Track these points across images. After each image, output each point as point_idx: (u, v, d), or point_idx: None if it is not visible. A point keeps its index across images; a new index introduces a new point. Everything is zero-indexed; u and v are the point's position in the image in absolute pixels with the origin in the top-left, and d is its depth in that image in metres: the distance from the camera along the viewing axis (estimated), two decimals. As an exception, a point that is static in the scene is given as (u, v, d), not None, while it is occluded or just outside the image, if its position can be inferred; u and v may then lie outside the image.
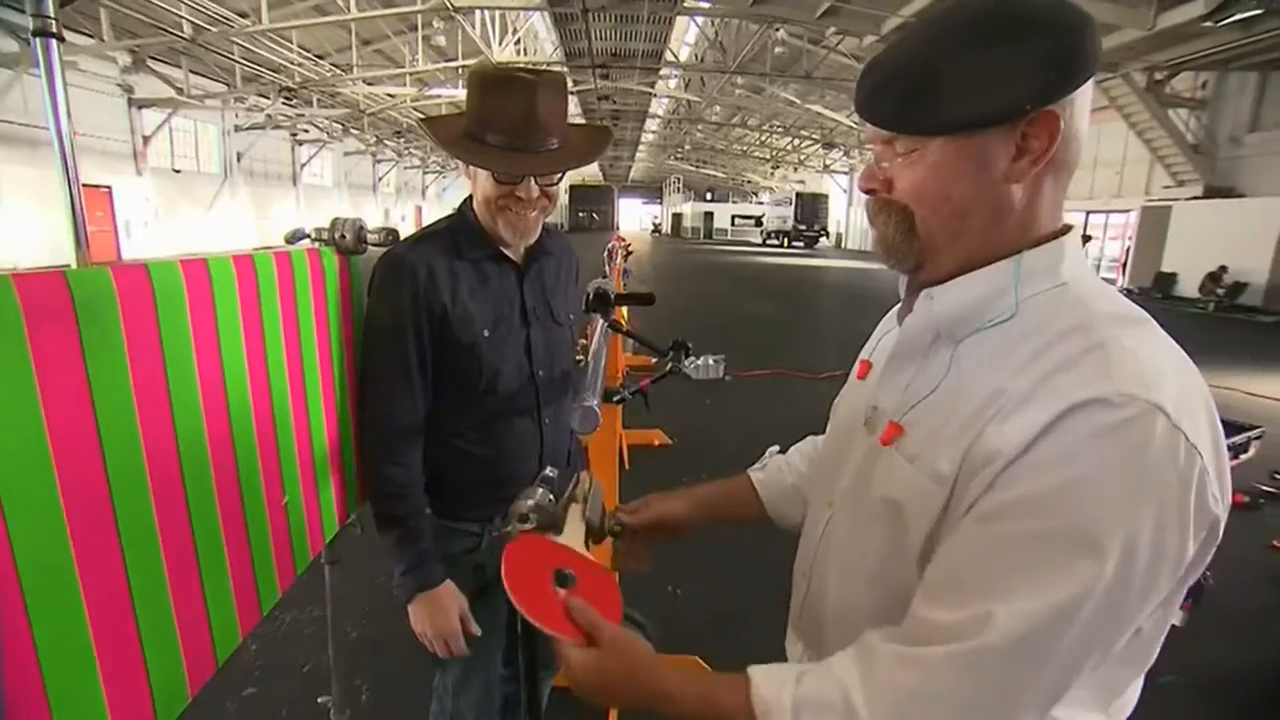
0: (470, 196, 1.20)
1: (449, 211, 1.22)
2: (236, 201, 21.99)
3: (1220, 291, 13.03)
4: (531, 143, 1.05)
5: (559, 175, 1.12)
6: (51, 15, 0.74)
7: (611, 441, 2.03)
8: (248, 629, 0.84)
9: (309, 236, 1.12)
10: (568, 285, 1.32)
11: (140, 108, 16.78)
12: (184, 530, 0.73)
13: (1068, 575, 0.49)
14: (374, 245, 1.14)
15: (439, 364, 1.13)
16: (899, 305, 0.80)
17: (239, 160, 21.99)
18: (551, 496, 0.97)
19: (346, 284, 1.12)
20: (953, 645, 0.52)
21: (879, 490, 0.65)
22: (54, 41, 0.75)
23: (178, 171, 19.35)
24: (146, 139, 17.33)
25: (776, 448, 1.01)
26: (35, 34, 0.73)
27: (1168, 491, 0.49)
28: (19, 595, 0.55)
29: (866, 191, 0.65)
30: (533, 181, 1.09)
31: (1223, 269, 13.15)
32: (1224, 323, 11.55)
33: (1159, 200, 15.11)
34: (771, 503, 0.95)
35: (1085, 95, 0.57)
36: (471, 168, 1.12)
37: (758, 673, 0.60)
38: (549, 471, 0.98)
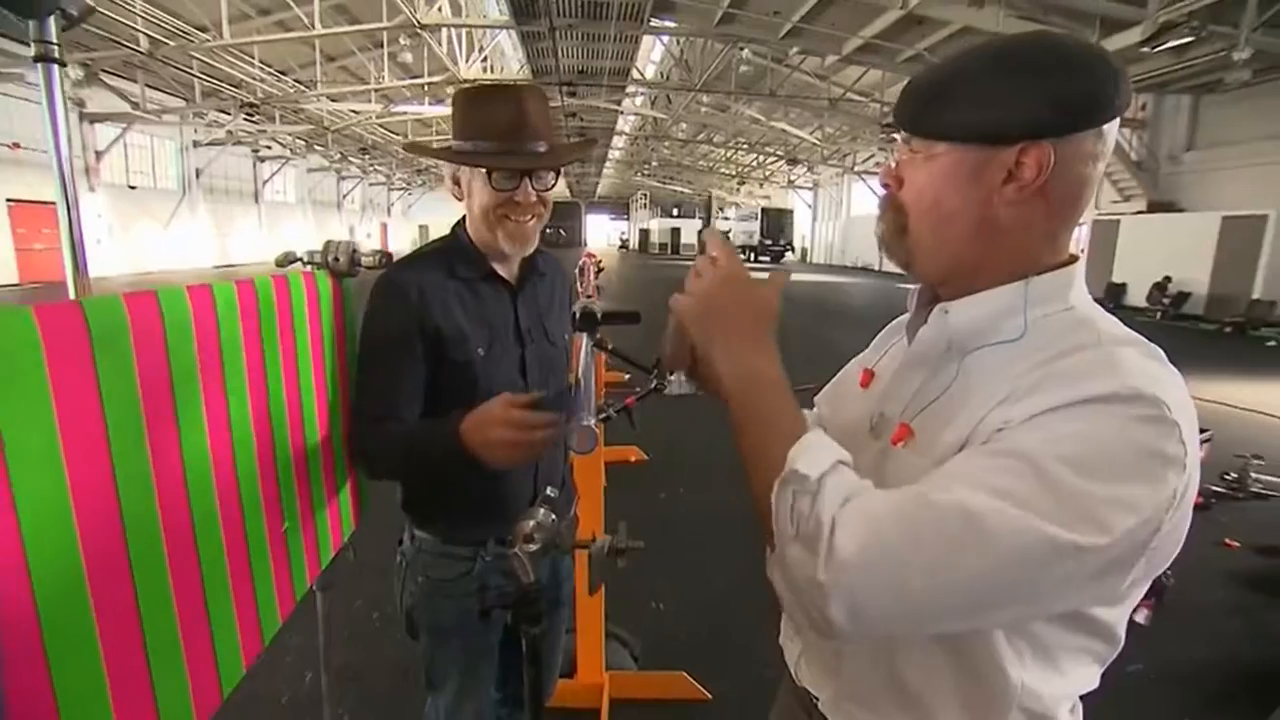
0: (462, 219, 1.22)
1: (414, 228, 1.22)
2: (196, 219, 21.46)
3: (1166, 301, 13.61)
4: (524, 145, 1.08)
5: (553, 181, 1.14)
6: (54, 41, 0.74)
7: (597, 459, 2.04)
8: (251, 659, 0.83)
9: (301, 259, 1.12)
10: (561, 305, 1.34)
11: (93, 122, 16.31)
12: (191, 562, 0.72)
13: (1037, 499, 0.51)
14: (367, 268, 1.14)
15: (434, 383, 1.13)
16: (906, 317, 0.84)
17: (198, 177, 21.49)
18: (554, 516, 0.98)
19: (340, 307, 1.12)
20: (921, 489, 0.55)
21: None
22: (55, 67, 0.74)
23: (133, 188, 18.83)
24: (99, 154, 16.84)
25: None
26: (37, 60, 0.73)
27: (1164, 469, 0.53)
28: (38, 633, 0.54)
29: (883, 187, 0.70)
30: (529, 186, 1.10)
31: (1167, 279, 13.75)
32: (1170, 330, 12.05)
33: (1108, 215, 15.77)
34: None
35: (1094, 144, 0.60)
36: (465, 184, 1.13)
37: (813, 434, 0.61)
38: (550, 491, 0.99)
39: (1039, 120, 0.58)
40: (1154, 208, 15.16)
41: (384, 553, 1.30)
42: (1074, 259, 0.66)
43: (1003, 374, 0.61)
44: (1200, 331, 12.00)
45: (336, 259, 1.10)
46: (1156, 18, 9.19)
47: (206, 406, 0.74)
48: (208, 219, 22.07)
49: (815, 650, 0.78)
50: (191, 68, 15.39)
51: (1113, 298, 14.98)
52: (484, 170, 1.09)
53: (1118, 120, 0.60)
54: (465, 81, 14.37)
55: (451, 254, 1.18)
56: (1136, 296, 14.38)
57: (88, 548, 0.59)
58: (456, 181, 1.16)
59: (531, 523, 0.93)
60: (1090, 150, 0.60)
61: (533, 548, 0.90)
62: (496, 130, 1.07)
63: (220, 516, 0.76)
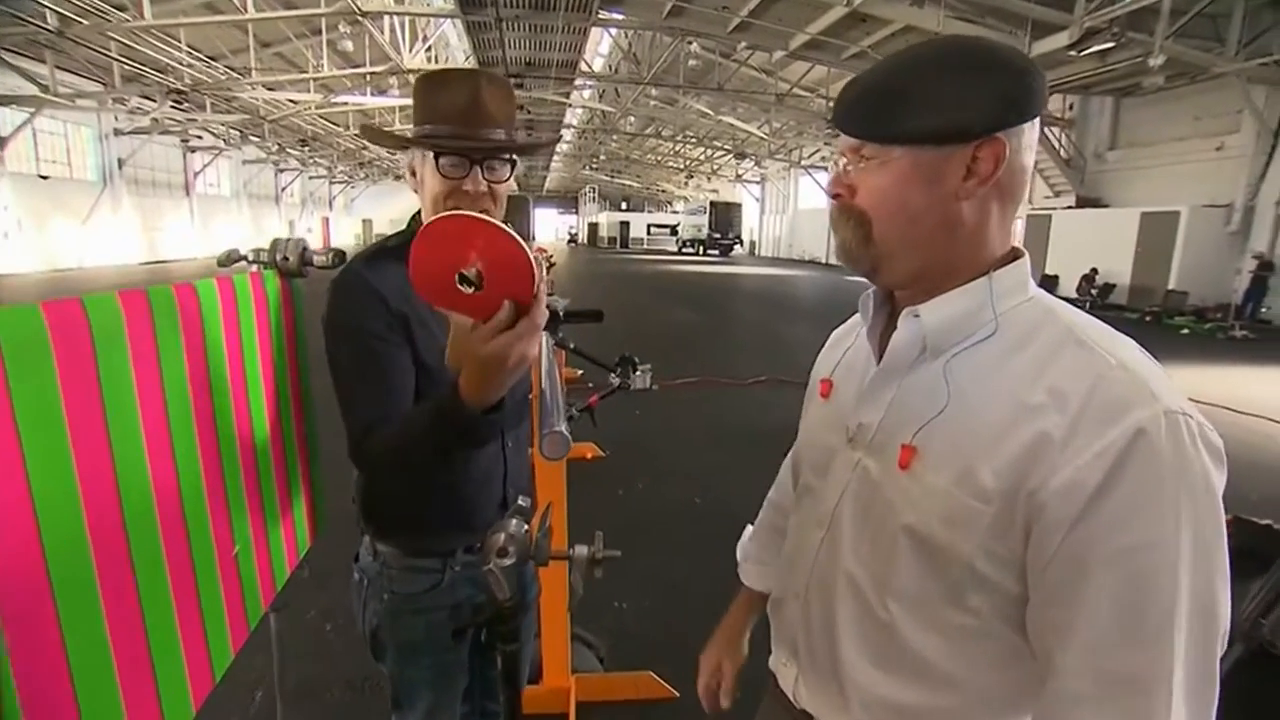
0: (418, 212, 1.15)
1: (358, 223, 1.16)
2: (120, 212, 20.16)
3: (1094, 292, 14.33)
4: (478, 132, 1.03)
5: (508, 173, 1.08)
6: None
7: (559, 464, 2.00)
8: (201, 699, 0.76)
9: (245, 258, 1.04)
10: None
11: (-5, 106, 15.13)
12: (129, 594, 0.65)
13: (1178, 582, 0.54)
14: (320, 267, 1.06)
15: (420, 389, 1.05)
16: (858, 322, 0.83)
17: (120, 167, 20.19)
18: (526, 526, 0.94)
19: (290, 310, 1.05)
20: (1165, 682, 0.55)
21: (900, 518, 0.66)
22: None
23: (45, 178, 17.53)
24: (3, 140, 15.63)
25: (748, 531, 1.08)
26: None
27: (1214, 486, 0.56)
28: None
29: (833, 196, 0.70)
30: (480, 174, 1.04)
31: (1094, 271, 14.50)
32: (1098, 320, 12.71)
33: (1041, 209, 16.51)
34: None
35: (1031, 134, 0.63)
36: (419, 174, 1.07)
37: None
38: (522, 501, 0.95)
39: (994, 117, 0.61)
40: (1082, 203, 15.99)
41: (334, 559, 1.23)
42: (1020, 251, 0.69)
43: (997, 379, 0.63)
44: (1124, 320, 12.68)
45: (286, 258, 1.03)
46: (1082, 23, 9.69)
47: (144, 423, 0.67)
48: (133, 213, 20.78)
49: (812, 674, 0.78)
50: (109, 49, 14.39)
51: (1046, 289, 15.53)
52: (433, 157, 1.03)
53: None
54: (409, 72, 13.93)
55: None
56: (1067, 288, 15.11)
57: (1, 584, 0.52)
58: (414, 172, 1.09)
59: (504, 535, 0.89)
60: (1029, 141, 0.63)
61: (507, 561, 0.86)
62: (448, 114, 1.02)
63: (163, 542, 0.69)
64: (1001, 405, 0.61)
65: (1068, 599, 0.57)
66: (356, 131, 19.66)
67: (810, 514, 0.78)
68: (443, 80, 1.05)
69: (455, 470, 1.13)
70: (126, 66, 15.21)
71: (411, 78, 12.17)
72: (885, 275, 0.69)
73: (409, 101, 1.09)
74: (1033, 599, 0.60)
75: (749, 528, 1.09)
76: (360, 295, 1.02)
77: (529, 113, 22.25)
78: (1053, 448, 0.57)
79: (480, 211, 1.08)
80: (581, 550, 0.95)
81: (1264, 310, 12.50)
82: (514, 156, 1.08)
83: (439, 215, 0.75)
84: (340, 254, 1.06)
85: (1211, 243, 13.08)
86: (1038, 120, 0.64)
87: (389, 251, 1.08)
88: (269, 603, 0.94)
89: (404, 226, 1.14)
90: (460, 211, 0.74)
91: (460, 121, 1.02)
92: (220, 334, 0.82)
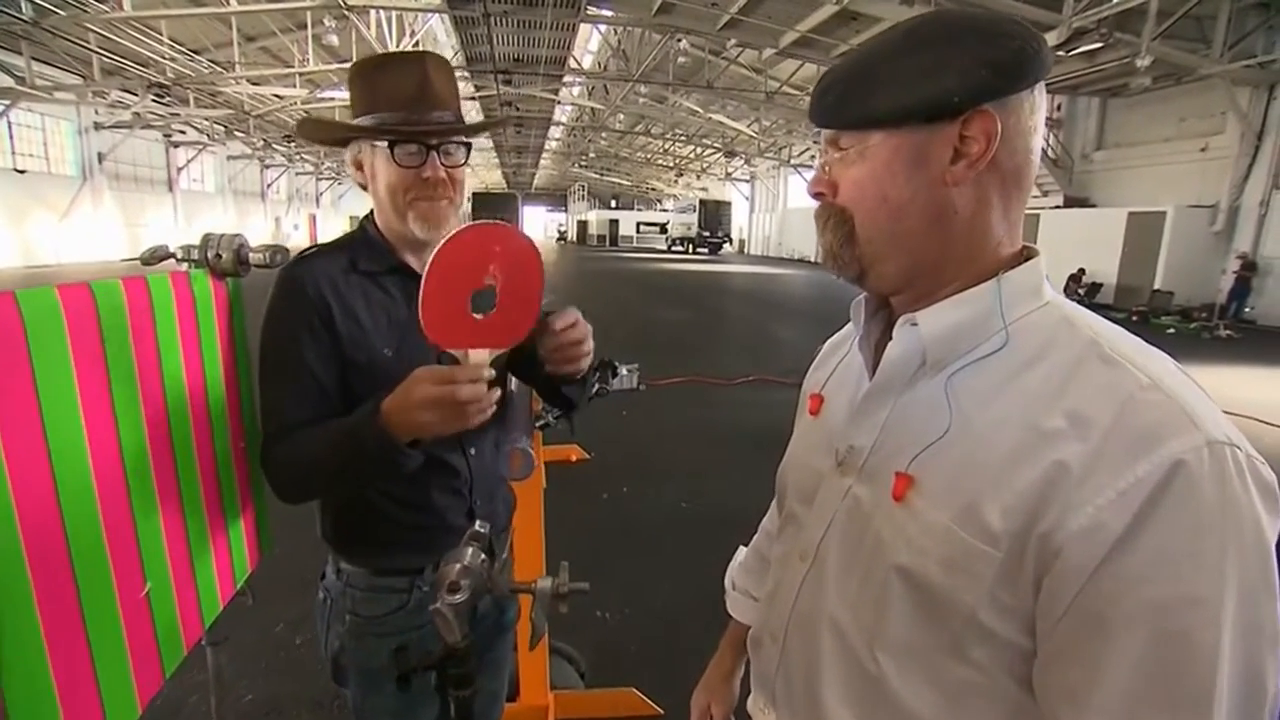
0: (371, 212, 1.07)
1: (345, 220, 1.09)
2: (100, 208, 19.81)
3: (1081, 291, 14.39)
4: (428, 117, 0.97)
5: (464, 158, 1.03)
6: None
7: (536, 484, 1.90)
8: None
9: (175, 256, 0.94)
10: None
11: (-32, 97, 14.79)
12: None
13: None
14: (258, 266, 0.97)
15: (344, 392, 0.99)
16: (852, 333, 0.75)
17: (101, 162, 19.82)
18: (484, 556, 0.84)
19: (225, 312, 0.95)
20: None
21: (893, 557, 0.57)
22: None
23: (21, 172, 17.18)
24: (-21, 134, 15.31)
25: (740, 554, 0.99)
26: None
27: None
28: None
29: (815, 196, 0.63)
30: (438, 160, 0.98)
31: (1081, 271, 14.56)
32: (1085, 320, 12.78)
33: (1029, 209, 16.43)
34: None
35: (1031, 105, 0.56)
36: (368, 168, 1.01)
37: None
38: (479, 527, 0.86)
39: (975, 84, 0.53)
40: (1070, 203, 16.06)
41: (306, 567, 1.13)
42: (1033, 249, 0.61)
43: (1007, 402, 0.54)
44: (1111, 320, 12.65)
45: (219, 255, 0.93)
46: (1070, 23, 9.70)
47: (7, 453, 0.56)
48: (114, 208, 20.42)
49: None
50: (88, 41, 14.08)
51: (1033, 289, 15.76)
52: (386, 147, 0.96)
53: (1044, 89, 0.57)
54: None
55: (354, 246, 1.04)
56: (1055, 288, 15.19)
57: None
58: (359, 166, 1.02)
59: (457, 566, 0.79)
60: (1029, 120, 0.56)
61: (459, 598, 0.76)
62: (397, 100, 0.95)
63: (35, 590, 0.58)
64: (1012, 431, 0.52)
65: (1084, 660, 0.49)
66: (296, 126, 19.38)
67: (793, 545, 0.70)
68: (383, 65, 0.99)
69: (415, 483, 1.05)
70: (106, 59, 14.90)
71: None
72: (874, 279, 0.61)
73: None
74: (1041, 655, 0.52)
75: (741, 550, 1.00)
76: (285, 295, 0.96)
77: (518, 109, 22.08)
78: (1070, 482, 0.49)
79: (444, 200, 1.01)
80: (544, 584, 0.86)
81: (1248, 310, 12.60)
82: (468, 139, 1.02)
83: (451, 234, 0.78)
84: (281, 250, 0.97)
85: (1197, 243, 13.17)
86: (1039, 91, 0.56)
87: (326, 250, 1.03)
88: (193, 642, 0.84)
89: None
90: (472, 224, 0.77)
91: (410, 107, 0.96)
92: (127, 342, 0.72)
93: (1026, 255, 0.60)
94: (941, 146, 0.55)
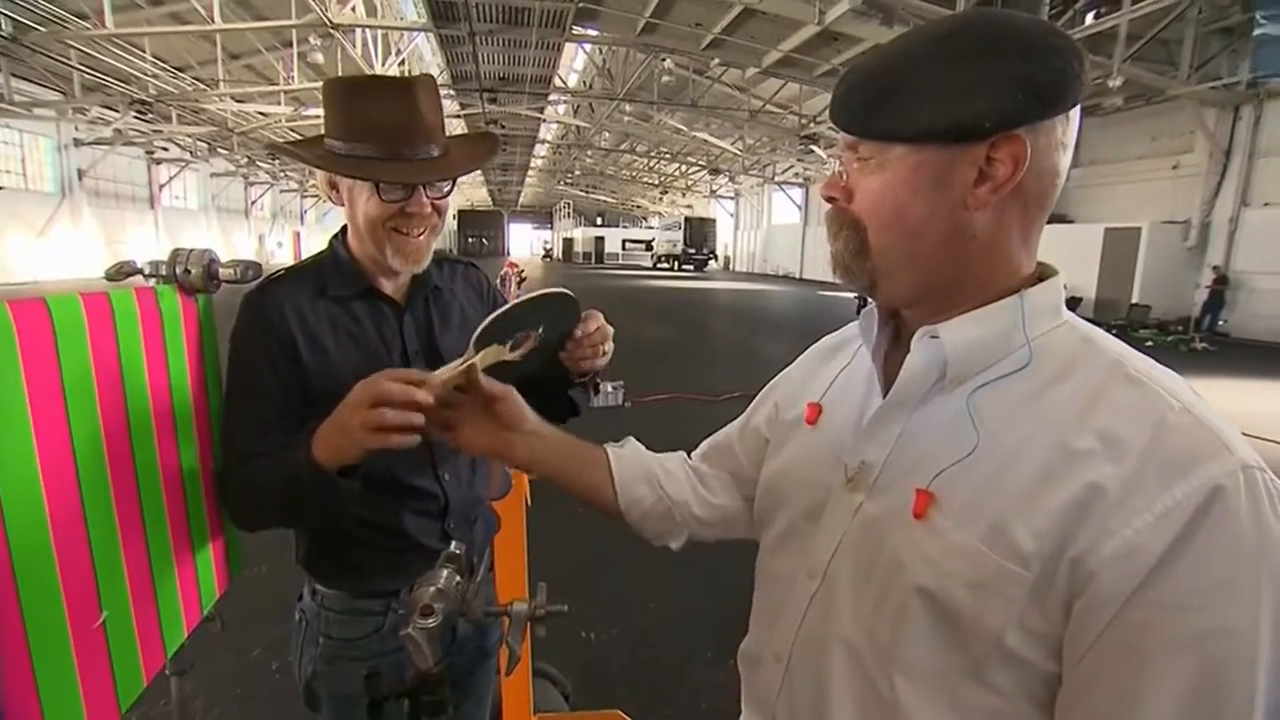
0: (342, 229, 1.05)
1: (330, 237, 1.06)
2: (79, 225, 19.54)
3: (1060, 306, 14.65)
4: (416, 150, 0.92)
5: (449, 187, 0.99)
6: None
7: (517, 501, 1.87)
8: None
9: (142, 271, 0.91)
10: (465, 322, 1.17)
11: (-55, 114, 14.58)
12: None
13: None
14: (228, 281, 0.94)
15: (305, 421, 0.95)
16: (849, 338, 0.74)
17: (80, 178, 19.60)
18: (459, 578, 0.82)
19: (194, 330, 0.92)
20: None
21: (913, 578, 0.55)
22: None
23: None
24: (-44, 150, 15.08)
25: (631, 438, 0.90)
26: None
27: None
28: None
29: (828, 200, 0.61)
30: (423, 194, 0.94)
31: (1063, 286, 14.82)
32: (1065, 334, 12.98)
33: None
34: (623, 479, 0.82)
35: (1063, 128, 0.54)
36: (345, 191, 0.97)
37: None
38: (454, 548, 0.84)
39: (1010, 109, 0.51)
40: (1050, 219, 16.33)
41: (287, 589, 1.10)
42: (1050, 269, 0.60)
43: (1035, 420, 0.53)
44: (1091, 334, 12.94)
45: (188, 271, 0.91)
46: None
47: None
48: (94, 226, 20.14)
49: None
50: (69, 58, 13.97)
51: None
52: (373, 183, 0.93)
53: (1080, 107, 0.55)
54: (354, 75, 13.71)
55: (324, 269, 1.01)
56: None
57: None
58: (334, 186, 0.99)
59: (431, 590, 0.77)
60: (1060, 138, 0.54)
61: (431, 623, 0.73)
62: (383, 132, 0.91)
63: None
64: (1039, 450, 0.51)
65: (1118, 690, 0.47)
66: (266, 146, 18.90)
67: (799, 561, 0.66)
68: (368, 89, 0.94)
69: (388, 508, 1.03)
70: (87, 75, 14.78)
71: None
72: (885, 293, 0.60)
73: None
74: (1069, 682, 0.50)
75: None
76: (249, 319, 0.94)
77: (503, 127, 22.17)
78: (1105, 504, 0.47)
79: (423, 231, 0.99)
80: (520, 607, 0.84)
81: (1221, 323, 12.86)
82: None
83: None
84: (253, 266, 0.95)
85: (1171, 258, 13.48)
86: (1075, 112, 0.54)
87: (295, 272, 1.01)
88: (154, 672, 0.81)
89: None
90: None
91: (397, 140, 0.91)
92: (86, 357, 0.70)
93: (1041, 274, 0.59)
94: (966, 168, 0.53)
